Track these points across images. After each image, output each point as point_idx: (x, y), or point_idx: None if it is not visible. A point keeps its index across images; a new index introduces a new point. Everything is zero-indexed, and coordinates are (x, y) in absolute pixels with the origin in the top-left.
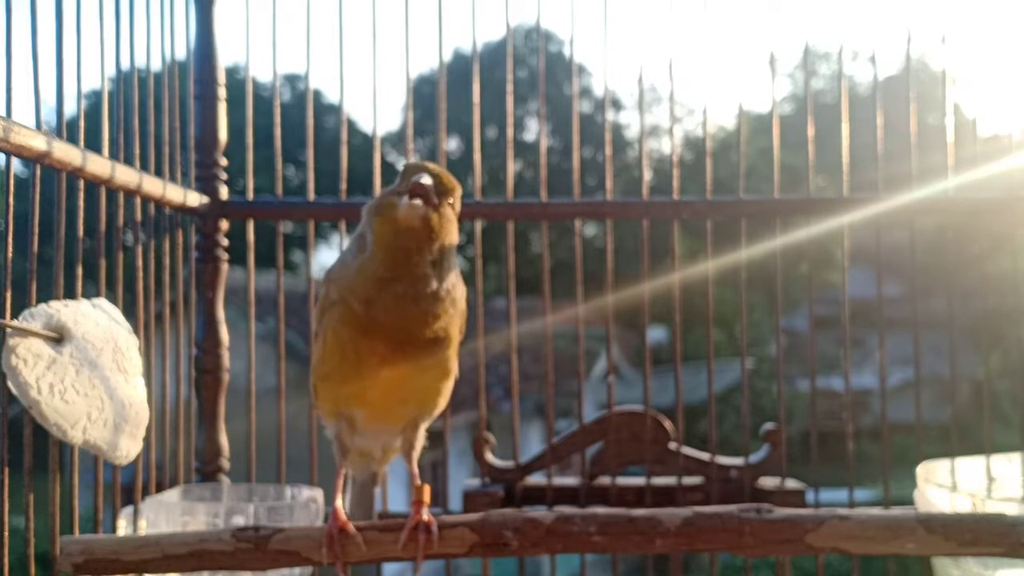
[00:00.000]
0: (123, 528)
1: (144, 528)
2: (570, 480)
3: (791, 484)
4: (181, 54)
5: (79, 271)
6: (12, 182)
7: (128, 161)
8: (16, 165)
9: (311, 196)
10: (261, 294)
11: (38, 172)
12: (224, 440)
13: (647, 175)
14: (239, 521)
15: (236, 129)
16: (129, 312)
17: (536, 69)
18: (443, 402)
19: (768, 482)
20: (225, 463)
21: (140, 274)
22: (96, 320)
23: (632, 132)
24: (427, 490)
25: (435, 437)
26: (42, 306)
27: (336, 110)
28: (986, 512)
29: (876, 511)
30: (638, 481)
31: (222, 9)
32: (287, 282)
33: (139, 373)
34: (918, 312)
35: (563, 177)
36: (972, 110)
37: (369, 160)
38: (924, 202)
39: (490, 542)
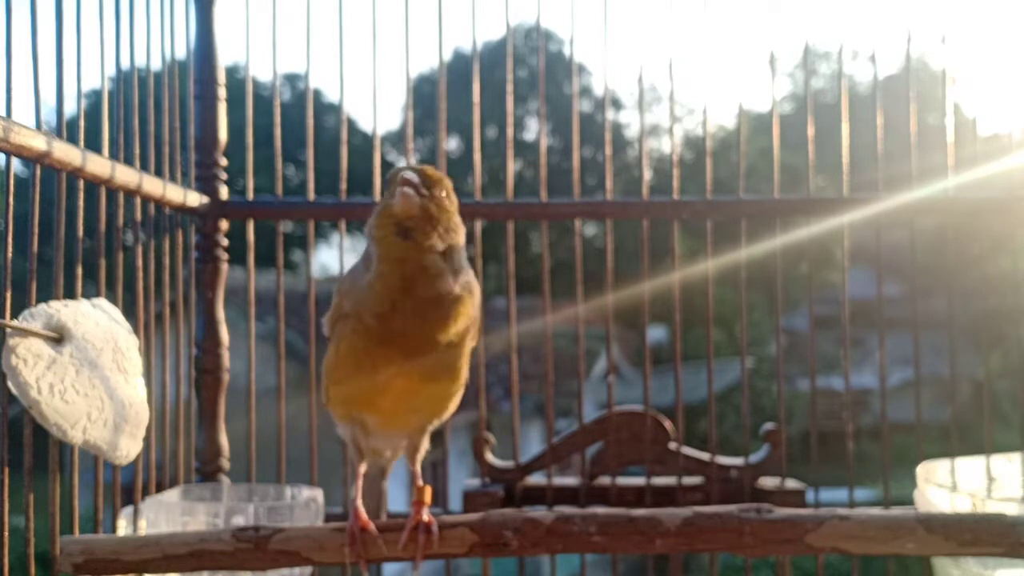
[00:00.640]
0: (123, 528)
1: (144, 528)
2: (570, 480)
3: (791, 484)
4: (181, 54)
5: (79, 271)
6: (12, 182)
7: (128, 161)
8: (16, 165)
9: (311, 196)
10: (261, 294)
11: (38, 172)
12: (224, 440)
13: (647, 175)
14: (239, 521)
15: (236, 129)
16: (129, 312)
17: (536, 69)
18: (453, 408)
19: (768, 482)
20: (225, 463)
21: (140, 274)
22: (96, 320)
23: (632, 132)
24: (428, 491)
25: (435, 437)
26: (42, 306)
27: (336, 110)
28: (986, 512)
29: (876, 511)
30: (638, 481)
31: (222, 9)
32: (287, 282)
33: (139, 373)
34: (918, 312)
35: (563, 177)
36: (972, 110)
37: (369, 160)
38: (924, 202)
39: (490, 542)
